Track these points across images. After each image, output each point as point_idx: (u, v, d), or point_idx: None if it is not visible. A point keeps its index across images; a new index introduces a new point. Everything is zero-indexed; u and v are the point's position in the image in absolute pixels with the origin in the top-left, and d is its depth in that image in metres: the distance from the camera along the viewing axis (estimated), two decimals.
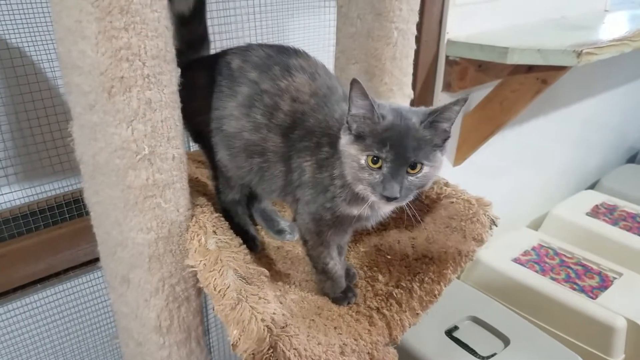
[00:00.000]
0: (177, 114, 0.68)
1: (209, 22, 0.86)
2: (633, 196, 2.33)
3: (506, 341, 1.44)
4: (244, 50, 0.77)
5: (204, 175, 0.98)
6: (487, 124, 1.65)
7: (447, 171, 0.87)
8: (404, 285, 0.82)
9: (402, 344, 0.80)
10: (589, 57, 1.30)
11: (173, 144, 0.68)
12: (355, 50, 0.94)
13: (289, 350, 0.62)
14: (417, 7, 0.90)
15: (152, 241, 0.69)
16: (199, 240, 0.71)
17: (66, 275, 1.07)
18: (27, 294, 1.04)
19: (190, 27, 0.81)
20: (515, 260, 1.91)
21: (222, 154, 0.80)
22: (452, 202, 0.81)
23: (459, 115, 0.65)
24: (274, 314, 0.63)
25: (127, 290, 0.74)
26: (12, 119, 0.92)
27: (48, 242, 1.00)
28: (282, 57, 0.75)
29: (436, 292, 0.80)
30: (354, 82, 0.62)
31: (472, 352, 1.42)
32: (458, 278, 0.81)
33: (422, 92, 1.51)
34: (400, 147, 0.62)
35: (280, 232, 0.92)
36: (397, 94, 0.93)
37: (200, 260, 0.69)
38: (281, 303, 0.69)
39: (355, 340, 0.74)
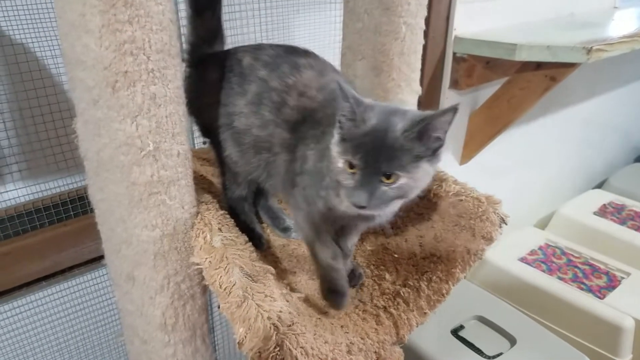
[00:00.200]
0: (181, 110, 0.67)
1: None
2: None
3: (512, 341, 1.43)
4: (255, 49, 0.78)
5: (208, 172, 0.97)
6: (494, 122, 1.63)
7: (453, 170, 0.86)
8: (412, 284, 0.80)
9: (408, 343, 0.79)
10: (599, 53, 1.28)
11: (178, 140, 0.67)
12: (362, 45, 0.92)
13: (295, 349, 0.61)
14: (425, 1, 0.88)
15: (157, 238, 0.69)
16: (204, 238, 0.70)
17: (71, 272, 1.06)
18: (32, 292, 1.04)
19: (204, 21, 0.81)
20: (522, 259, 1.90)
21: (231, 150, 0.80)
22: (461, 200, 0.79)
23: (453, 121, 0.61)
24: (280, 312, 0.62)
25: (132, 287, 0.73)
26: (16, 116, 0.92)
27: (52, 239, 0.99)
28: (291, 56, 0.76)
29: (444, 291, 0.79)
30: (338, 84, 0.61)
31: (478, 351, 1.41)
32: (464, 277, 0.80)
33: (429, 90, 1.50)
34: (374, 154, 0.60)
35: (286, 229, 0.91)
36: (405, 90, 0.92)
37: (206, 258, 0.68)
38: (287, 301, 0.68)
39: (362, 339, 0.73)
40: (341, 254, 0.78)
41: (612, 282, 1.79)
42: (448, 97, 1.56)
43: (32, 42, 0.90)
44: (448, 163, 1.71)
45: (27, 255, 0.97)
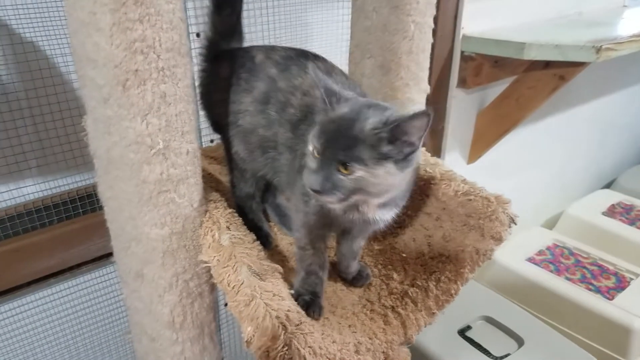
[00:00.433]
0: (191, 108, 0.67)
1: None
2: None
3: (520, 342, 1.43)
4: (269, 49, 0.79)
5: (216, 171, 0.97)
6: (502, 121, 1.62)
7: (460, 169, 0.85)
8: (420, 284, 0.80)
9: (414, 344, 0.79)
10: (609, 52, 1.27)
11: (187, 138, 0.67)
12: (370, 44, 0.92)
13: (303, 348, 0.60)
14: None
15: (166, 236, 0.69)
16: (212, 236, 0.70)
17: (79, 270, 1.07)
18: (40, 289, 1.05)
19: (223, 18, 0.82)
20: (530, 260, 1.89)
21: (238, 147, 0.80)
22: (470, 200, 0.79)
23: (427, 126, 0.58)
24: (288, 311, 0.62)
25: (140, 285, 0.74)
26: (26, 114, 0.92)
27: (61, 237, 1.00)
28: (301, 58, 0.77)
29: (453, 292, 0.78)
30: (313, 72, 0.63)
31: (485, 352, 1.40)
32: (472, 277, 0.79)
33: (436, 88, 1.49)
34: (334, 141, 0.59)
35: None
36: (413, 89, 0.91)
37: (214, 256, 0.68)
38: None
39: (370, 339, 0.73)
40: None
41: (621, 283, 1.78)
42: (455, 96, 1.55)
43: (42, 41, 0.90)
44: (455, 162, 1.70)
45: (35, 252, 0.97)
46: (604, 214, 2.16)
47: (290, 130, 0.74)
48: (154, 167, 0.65)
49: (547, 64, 1.46)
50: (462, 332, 1.46)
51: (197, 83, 0.86)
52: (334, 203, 0.62)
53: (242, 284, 0.64)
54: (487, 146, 1.68)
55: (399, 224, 0.89)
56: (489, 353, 1.39)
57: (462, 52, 1.49)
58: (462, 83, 1.52)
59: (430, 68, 0.97)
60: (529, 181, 2.11)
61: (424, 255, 0.84)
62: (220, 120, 0.81)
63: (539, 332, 1.46)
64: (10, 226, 0.95)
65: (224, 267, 0.67)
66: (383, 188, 0.63)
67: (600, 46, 1.25)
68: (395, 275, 0.84)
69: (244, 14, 1.11)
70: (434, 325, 0.78)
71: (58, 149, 0.97)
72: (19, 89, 0.90)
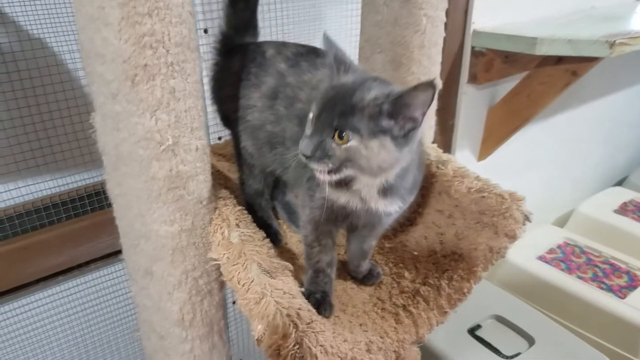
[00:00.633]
0: (200, 104, 0.66)
1: None
2: None
3: (531, 341, 1.41)
4: (280, 45, 0.79)
5: (225, 168, 0.96)
6: (513, 117, 1.60)
7: (471, 166, 0.84)
8: (432, 282, 0.79)
9: (424, 343, 0.78)
10: (622, 47, 1.25)
11: (196, 134, 0.66)
12: (380, 38, 0.91)
13: (315, 347, 0.59)
14: None
15: (176, 233, 0.68)
16: (222, 233, 0.70)
17: (87, 267, 1.07)
18: (49, 286, 1.05)
19: (237, 12, 0.82)
20: (541, 258, 1.86)
21: (247, 143, 0.80)
22: (484, 197, 0.77)
23: (432, 103, 0.56)
24: (299, 309, 0.61)
25: (149, 283, 0.73)
26: (34, 111, 0.92)
27: (70, 234, 1.00)
28: (312, 55, 0.76)
29: (465, 290, 0.77)
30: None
31: (495, 351, 1.38)
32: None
33: (447, 84, 1.47)
34: (332, 108, 0.58)
35: None
36: None
37: (224, 254, 0.68)
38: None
39: (381, 337, 0.72)
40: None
41: (633, 282, 1.75)
42: (466, 92, 1.53)
43: (49, 37, 0.90)
44: (466, 159, 1.68)
45: (44, 250, 0.97)
46: (615, 211, 2.13)
47: (298, 124, 0.72)
48: (163, 164, 0.64)
49: (559, 60, 1.43)
50: (472, 331, 1.44)
51: (208, 77, 0.85)
52: (324, 173, 0.60)
53: (252, 281, 0.63)
54: (498, 143, 1.66)
55: (410, 221, 0.88)
56: (500, 352, 1.38)
57: (472, 48, 1.47)
58: (473, 79, 1.50)
59: (441, 63, 0.96)
60: (539, 179, 2.08)
61: (436, 254, 0.83)
62: (230, 115, 0.81)
63: (550, 331, 1.45)
64: (19, 224, 0.95)
65: (234, 265, 0.66)
66: (376, 164, 0.60)
67: (614, 41, 1.23)
68: (406, 274, 0.82)
69: None
70: (443, 324, 0.77)
71: (66, 147, 0.97)
72: (27, 86, 0.90)
